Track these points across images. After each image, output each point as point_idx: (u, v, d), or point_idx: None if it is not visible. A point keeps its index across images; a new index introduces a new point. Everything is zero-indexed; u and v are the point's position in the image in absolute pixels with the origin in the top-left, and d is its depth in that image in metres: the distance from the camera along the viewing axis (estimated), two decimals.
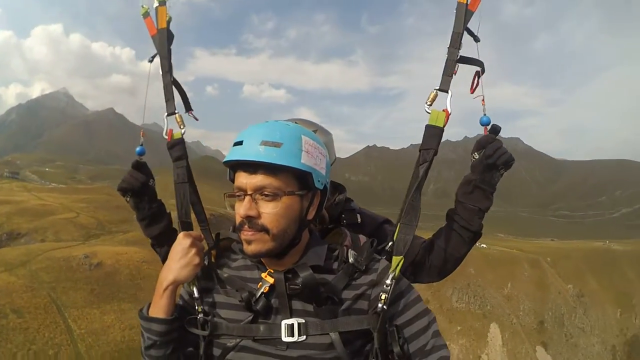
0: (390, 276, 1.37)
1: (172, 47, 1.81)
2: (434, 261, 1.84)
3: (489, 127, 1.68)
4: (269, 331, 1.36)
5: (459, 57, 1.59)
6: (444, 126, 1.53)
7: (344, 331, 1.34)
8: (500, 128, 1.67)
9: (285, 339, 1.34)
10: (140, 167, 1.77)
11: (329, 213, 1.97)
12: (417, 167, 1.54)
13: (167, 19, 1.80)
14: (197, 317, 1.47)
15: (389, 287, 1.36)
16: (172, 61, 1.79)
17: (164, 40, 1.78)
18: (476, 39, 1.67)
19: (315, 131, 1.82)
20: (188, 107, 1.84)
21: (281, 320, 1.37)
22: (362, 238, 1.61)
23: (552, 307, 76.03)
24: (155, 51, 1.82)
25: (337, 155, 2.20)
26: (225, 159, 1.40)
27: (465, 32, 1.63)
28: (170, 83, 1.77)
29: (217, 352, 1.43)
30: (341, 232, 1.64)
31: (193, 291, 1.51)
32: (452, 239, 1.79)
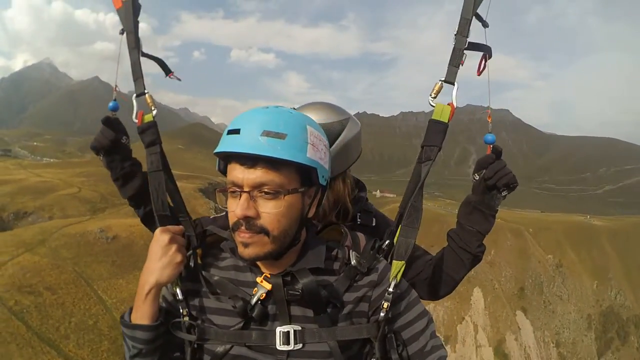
0: (393, 283, 1.29)
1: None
2: (432, 282, 1.79)
3: (491, 147, 1.58)
4: (262, 338, 1.25)
5: (467, 44, 1.48)
6: (449, 121, 1.45)
7: (342, 340, 1.26)
8: (501, 150, 1.57)
9: (280, 347, 1.24)
10: (111, 123, 1.68)
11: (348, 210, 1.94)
12: (419, 165, 1.45)
13: None
14: (182, 321, 1.34)
15: (390, 295, 1.28)
16: (139, 35, 1.62)
17: (130, 13, 1.60)
18: (485, 24, 1.57)
19: (347, 119, 1.86)
20: (167, 71, 1.75)
21: (276, 327, 1.26)
22: (361, 237, 1.52)
23: (532, 275, 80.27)
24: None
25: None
26: (218, 149, 1.21)
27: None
28: (138, 60, 1.59)
29: (206, 358, 1.31)
30: (339, 229, 1.51)
31: (177, 293, 1.37)
32: (451, 260, 1.74)
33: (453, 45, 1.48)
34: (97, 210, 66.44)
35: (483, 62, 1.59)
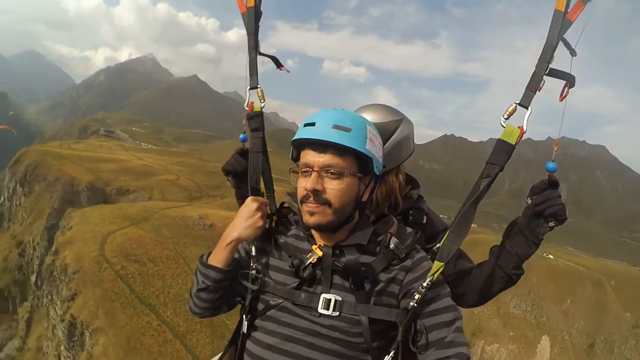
0: (428, 279, 1.40)
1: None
2: (466, 290, 1.86)
3: (548, 176, 1.57)
4: (308, 299, 1.46)
5: (548, 70, 1.48)
6: (516, 144, 1.48)
7: (373, 317, 1.42)
8: (557, 181, 1.56)
9: (321, 310, 1.43)
10: (243, 153, 1.95)
11: (399, 203, 2.06)
12: (479, 180, 1.52)
13: None
14: (249, 273, 1.59)
15: (424, 290, 1.39)
16: (258, 38, 1.83)
17: (252, 18, 1.83)
18: (572, 53, 1.52)
19: (401, 120, 2.06)
20: (278, 64, 1.99)
21: (321, 292, 1.46)
22: (408, 230, 1.71)
23: (605, 331, 75.82)
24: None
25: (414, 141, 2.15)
26: (296, 137, 1.49)
27: (560, 43, 1.49)
28: (255, 59, 1.84)
29: (260, 306, 1.56)
30: (390, 220, 1.71)
31: (251, 250, 1.64)
32: (486, 273, 1.78)
33: (534, 70, 1.49)
34: (193, 198, 71.32)
35: (566, 89, 1.55)
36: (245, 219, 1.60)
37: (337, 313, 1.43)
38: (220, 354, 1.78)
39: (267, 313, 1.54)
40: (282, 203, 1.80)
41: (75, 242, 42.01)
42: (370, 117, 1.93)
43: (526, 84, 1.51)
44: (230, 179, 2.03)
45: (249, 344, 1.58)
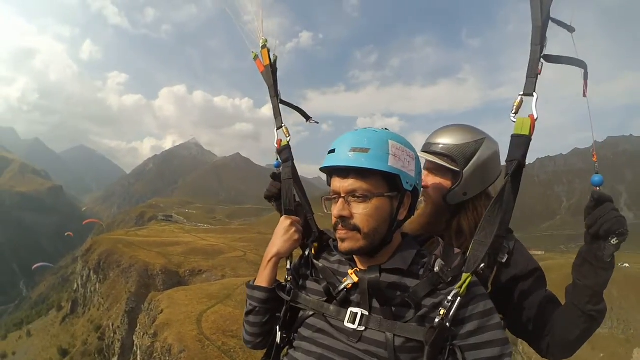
0: (453, 292, 1.34)
1: (287, 91, 2.08)
2: (549, 342, 1.68)
3: (598, 189, 1.42)
4: (336, 313, 1.49)
5: (542, 54, 1.44)
6: (531, 134, 1.41)
7: (399, 335, 1.36)
8: (600, 196, 1.40)
9: (347, 324, 1.44)
10: (276, 177, 2.02)
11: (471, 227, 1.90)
12: (505, 179, 1.44)
13: (273, 58, 2.05)
14: (284, 284, 1.70)
15: (449, 304, 1.33)
16: (278, 88, 2.04)
17: (269, 73, 2.03)
18: (570, 29, 1.46)
19: (482, 139, 1.91)
20: (307, 117, 2.14)
21: (349, 307, 1.47)
22: (456, 250, 1.53)
23: None
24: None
25: None
26: (321, 166, 1.52)
27: (553, 23, 1.44)
28: (278, 105, 2.02)
29: (294, 320, 1.65)
30: (436, 241, 1.62)
31: (286, 264, 1.77)
32: (564, 318, 1.61)
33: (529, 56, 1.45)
34: None
35: (585, 81, 1.50)
36: (281, 235, 1.75)
37: (363, 328, 1.42)
38: None
39: (305, 335, 1.57)
40: (322, 232, 1.84)
41: (172, 324, 43.33)
42: (446, 140, 1.95)
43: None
44: (273, 203, 2.07)
45: None
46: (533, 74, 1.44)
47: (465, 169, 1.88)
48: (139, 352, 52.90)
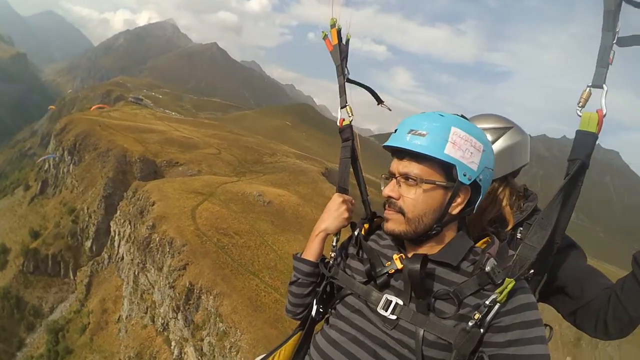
0: (492, 297, 1.26)
1: None
2: (604, 318, 1.55)
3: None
4: (372, 296, 1.46)
5: (616, 40, 1.31)
6: (598, 131, 1.33)
7: (429, 332, 1.31)
8: None
9: (379, 310, 1.40)
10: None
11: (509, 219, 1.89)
12: (564, 180, 1.35)
13: (344, 37, 2.04)
14: (327, 260, 1.72)
15: (486, 309, 1.25)
16: (346, 67, 2.01)
17: (337, 53, 2.02)
18: None
19: (507, 128, 1.92)
20: (379, 100, 2.10)
21: (385, 293, 1.43)
22: (511, 252, 1.38)
23: None
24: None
25: None
26: (383, 144, 1.50)
27: (625, 3, 1.32)
28: (344, 84, 1.98)
29: (333, 293, 1.68)
30: (491, 239, 1.51)
31: (333, 241, 1.77)
32: (632, 290, 1.45)
33: (600, 44, 1.30)
34: (238, 173, 73.78)
35: None
36: (332, 211, 1.77)
37: (394, 317, 1.38)
38: (288, 336, 1.88)
39: (342, 313, 1.55)
40: (374, 213, 1.80)
41: (169, 218, 44.95)
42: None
43: (596, 63, 1.38)
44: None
45: (318, 336, 1.62)
46: (604, 64, 1.35)
47: None
48: (117, 237, 55.83)
